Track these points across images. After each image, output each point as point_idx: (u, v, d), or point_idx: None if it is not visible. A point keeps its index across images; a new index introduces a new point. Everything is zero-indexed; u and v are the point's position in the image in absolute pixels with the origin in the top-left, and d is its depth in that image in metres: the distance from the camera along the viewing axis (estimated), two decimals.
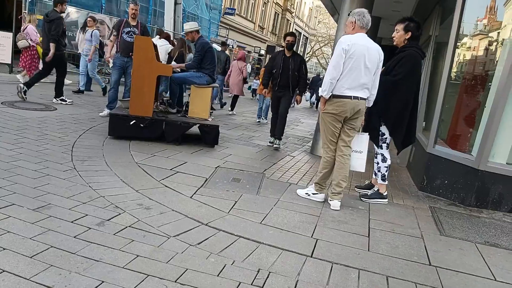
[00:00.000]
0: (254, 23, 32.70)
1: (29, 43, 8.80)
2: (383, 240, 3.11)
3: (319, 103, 4.01)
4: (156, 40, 9.33)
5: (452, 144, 4.77)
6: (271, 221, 3.19)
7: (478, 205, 4.17)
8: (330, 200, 3.71)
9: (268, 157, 5.52)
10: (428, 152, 4.68)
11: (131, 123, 5.15)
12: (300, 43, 47.43)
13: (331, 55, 3.68)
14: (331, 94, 3.52)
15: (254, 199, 3.67)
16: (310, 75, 19.91)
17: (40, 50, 8.71)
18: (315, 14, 51.59)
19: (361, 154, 3.79)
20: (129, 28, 6.48)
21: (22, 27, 9.16)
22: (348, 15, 3.69)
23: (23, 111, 6.00)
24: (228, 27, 26.06)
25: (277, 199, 3.75)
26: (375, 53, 3.49)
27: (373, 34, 6.13)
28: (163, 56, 10.22)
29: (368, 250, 2.90)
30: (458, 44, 4.69)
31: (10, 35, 10.33)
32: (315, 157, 6.08)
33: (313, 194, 3.83)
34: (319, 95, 3.61)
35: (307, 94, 16.54)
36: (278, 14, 38.29)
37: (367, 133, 3.87)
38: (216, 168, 4.57)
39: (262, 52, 34.22)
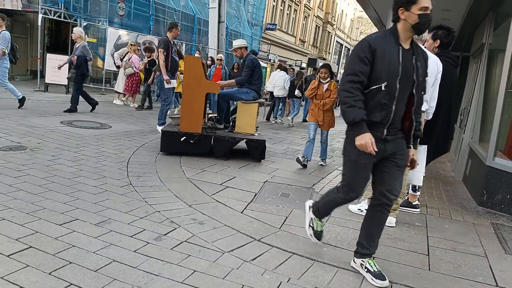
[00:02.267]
0: (295, 37, 32.86)
1: (134, 70, 10.21)
2: (444, 259, 2.96)
3: None
4: (277, 72, 11.36)
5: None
6: (325, 238, 3.12)
7: None
8: None
9: (315, 172, 5.46)
10: (487, 165, 4.43)
11: (182, 139, 5.31)
12: (342, 54, 47.02)
13: None
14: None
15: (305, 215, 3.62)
16: None
17: (142, 75, 10.40)
18: (356, 25, 51.04)
19: (417, 166, 3.64)
20: (174, 48, 6.77)
21: (126, 57, 10.39)
22: None
23: (80, 130, 6.36)
24: (269, 42, 26.37)
25: (328, 215, 3.68)
26: (433, 64, 3.38)
27: None
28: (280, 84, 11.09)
29: (429, 270, 2.77)
30: None
31: (66, 58, 11.08)
32: None
33: (366, 209, 3.72)
34: None
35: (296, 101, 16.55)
36: (319, 27, 38.26)
37: (425, 145, 3.72)
38: (264, 183, 4.58)
39: (304, 65, 34.22)
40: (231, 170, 4.95)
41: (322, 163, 6.02)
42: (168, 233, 2.95)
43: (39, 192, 3.43)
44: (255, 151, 5.56)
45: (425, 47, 3.55)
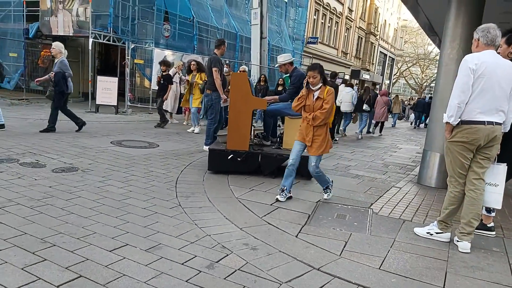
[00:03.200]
0: (337, 49, 32.42)
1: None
2: None
3: (427, 124, 3.54)
4: (342, 88, 11.21)
5: None
6: (392, 267, 2.81)
7: None
8: (457, 241, 3.21)
9: (371, 189, 5.10)
10: None
11: (229, 157, 5.17)
12: (386, 64, 45.81)
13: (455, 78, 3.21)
14: (459, 120, 3.09)
15: (366, 239, 3.32)
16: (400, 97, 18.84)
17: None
18: (400, 35, 49.68)
19: (496, 187, 3.24)
20: (223, 66, 6.73)
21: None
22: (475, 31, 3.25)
23: (129, 149, 6.42)
24: (311, 55, 26.16)
25: (392, 239, 3.35)
26: (509, 70, 3.02)
27: None
28: (348, 100, 11.15)
29: None
30: None
31: (115, 79, 11.49)
32: (424, 187, 5.50)
33: (436, 233, 3.35)
34: (444, 121, 3.19)
35: (411, 115, 16.26)
36: (361, 38, 37.56)
37: (505, 164, 3.29)
38: (317, 202, 4.31)
39: (347, 77, 33.60)
40: None
41: (325, 196, 4.46)
42: (220, 260, 2.77)
43: (89, 215, 3.39)
44: (304, 168, 5.28)
45: (498, 53, 3.20)
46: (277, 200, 4.16)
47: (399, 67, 50.34)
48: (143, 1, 13.04)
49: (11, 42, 13.51)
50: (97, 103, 11.29)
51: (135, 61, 13.01)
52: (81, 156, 5.62)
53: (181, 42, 14.09)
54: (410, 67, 49.40)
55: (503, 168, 3.26)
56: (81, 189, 4.12)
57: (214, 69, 6.52)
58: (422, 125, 20.44)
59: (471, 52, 3.23)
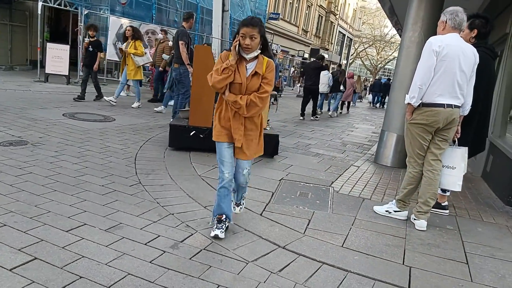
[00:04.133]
0: (298, 27, 32.37)
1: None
2: (485, 268, 2.72)
3: (384, 104, 3.61)
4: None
5: None
6: (354, 244, 2.89)
7: None
8: (415, 219, 3.35)
9: (331, 168, 5.20)
10: None
11: (191, 134, 5.04)
12: (344, 44, 46.49)
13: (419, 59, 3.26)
14: (420, 102, 3.16)
15: (329, 217, 3.38)
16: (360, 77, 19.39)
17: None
18: (359, 15, 50.39)
19: (453, 170, 3.38)
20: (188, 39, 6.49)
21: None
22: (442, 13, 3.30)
23: (84, 123, 6.09)
24: (272, 32, 25.92)
25: (353, 218, 3.43)
26: (470, 55, 3.10)
27: None
28: (325, 82, 11.78)
29: (472, 281, 2.53)
30: None
31: (67, 47, 10.75)
32: (381, 167, 5.69)
33: (395, 211, 3.48)
34: (406, 102, 3.25)
35: (369, 96, 17.13)
36: (322, 16, 37.70)
37: (464, 147, 3.42)
38: (280, 180, 4.33)
39: (306, 55, 33.79)
40: None
41: (238, 210, 3.14)
42: (185, 239, 2.71)
43: (43, 193, 3.18)
44: (267, 146, 5.27)
45: (461, 37, 3.28)
46: (217, 237, 2.74)
47: (356, 47, 51.28)
48: None
49: None
50: (46, 72, 10.53)
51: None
52: (31, 128, 5.25)
53: (138, 10, 13.40)
54: (366, 48, 50.43)
55: (460, 151, 3.40)
56: (32, 164, 3.85)
57: (180, 42, 6.31)
58: (378, 105, 21.44)
59: (432, 35, 3.30)
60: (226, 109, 2.72)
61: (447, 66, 3.05)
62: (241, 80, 2.61)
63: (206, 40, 14.71)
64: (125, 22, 12.03)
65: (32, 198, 3.05)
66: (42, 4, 10.71)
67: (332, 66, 37.49)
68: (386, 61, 50.21)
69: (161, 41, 9.86)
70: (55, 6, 11.32)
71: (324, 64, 11.85)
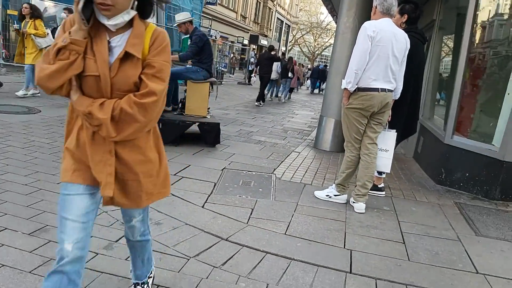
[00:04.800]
0: (236, 13, 32.10)
1: None
2: (420, 246, 2.85)
3: (323, 90, 3.66)
4: None
5: (467, 134, 4.54)
6: (296, 231, 2.89)
7: (504, 198, 3.97)
8: (353, 202, 3.43)
9: (273, 155, 5.20)
10: (446, 143, 4.44)
11: None
12: (283, 31, 47.00)
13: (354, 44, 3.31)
14: (356, 87, 3.20)
15: (272, 205, 3.36)
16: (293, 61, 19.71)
17: None
18: (296, 2, 51.10)
19: (387, 153, 3.51)
20: None
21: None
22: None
23: (4, 115, 5.52)
24: (210, 17, 25.42)
25: (295, 204, 3.45)
26: (402, 40, 3.19)
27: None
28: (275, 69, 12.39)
29: (409, 260, 2.63)
30: (475, 24, 4.38)
31: None
32: (320, 151, 5.80)
33: (335, 195, 3.54)
34: (342, 88, 3.28)
35: (307, 82, 17.69)
36: (260, 2, 37.70)
37: (394, 130, 3.56)
38: (222, 170, 4.24)
39: (246, 42, 33.69)
40: (185, 158, 4.54)
41: None
42: (120, 239, 2.53)
43: None
44: (209, 135, 5.17)
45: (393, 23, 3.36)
46: None
47: (294, 34, 52.12)
48: None
49: None
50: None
51: (8, 12, 11.10)
52: None
53: None
54: (304, 35, 51.44)
55: (392, 134, 3.53)
56: None
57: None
58: (316, 91, 22.14)
59: (367, 21, 3.37)
60: (79, 128, 1.49)
61: (381, 51, 3.11)
62: (99, 69, 1.38)
63: None
64: (50, 5, 11.08)
65: None
66: None
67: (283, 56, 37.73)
68: (323, 48, 51.67)
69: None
70: None
71: (275, 55, 12.96)
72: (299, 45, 52.93)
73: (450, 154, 4.39)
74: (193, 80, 5.31)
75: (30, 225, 2.55)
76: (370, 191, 3.70)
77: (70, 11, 8.80)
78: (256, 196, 3.55)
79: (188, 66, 5.51)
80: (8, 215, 2.64)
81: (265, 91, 12.60)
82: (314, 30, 49.65)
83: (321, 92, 21.54)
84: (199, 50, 5.30)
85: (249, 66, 21.67)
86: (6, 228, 2.46)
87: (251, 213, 3.15)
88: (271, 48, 12.77)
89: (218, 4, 26.95)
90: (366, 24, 3.16)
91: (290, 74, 13.90)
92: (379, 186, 3.89)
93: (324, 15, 47.50)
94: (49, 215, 2.72)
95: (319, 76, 21.88)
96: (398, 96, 3.44)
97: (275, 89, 14.31)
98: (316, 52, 51.00)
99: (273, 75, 12.63)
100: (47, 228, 2.54)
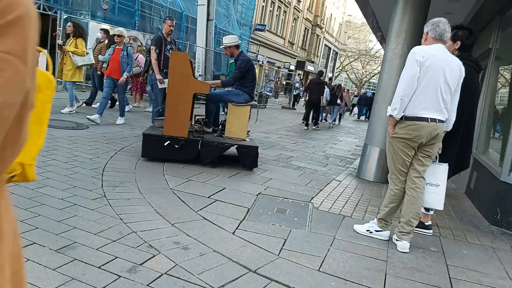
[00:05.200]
0: (284, 39, 32.53)
1: (141, 70, 9.17)
2: None
3: (368, 117, 3.44)
4: None
5: None
6: (331, 268, 2.66)
7: None
8: (397, 240, 3.15)
9: (312, 182, 5.00)
10: (503, 180, 4.04)
11: (166, 144, 4.78)
12: (330, 58, 46.95)
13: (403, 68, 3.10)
14: (402, 114, 2.99)
15: (306, 237, 3.15)
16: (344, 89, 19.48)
17: None
18: (345, 29, 51.08)
19: (437, 188, 3.21)
20: (169, 46, 6.25)
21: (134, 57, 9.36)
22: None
23: (54, 130, 5.76)
24: (258, 43, 25.93)
25: (332, 237, 3.22)
26: (456, 68, 2.95)
27: None
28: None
29: None
30: None
31: (42, 53, 10.34)
32: (363, 181, 5.51)
33: (376, 231, 3.28)
34: (387, 114, 3.08)
35: (355, 109, 17.66)
36: (308, 29, 38.03)
37: (446, 164, 3.27)
38: (257, 195, 4.09)
39: (292, 67, 33.91)
40: (220, 180, 4.45)
41: None
42: (145, 262, 2.44)
43: None
44: (246, 158, 5.07)
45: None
46: None
47: (342, 61, 51.88)
48: None
49: None
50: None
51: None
52: None
53: (121, 16, 13.14)
54: (352, 62, 51.06)
55: (444, 168, 3.24)
56: None
57: (151, 47, 6.16)
58: (362, 117, 21.93)
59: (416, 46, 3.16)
60: None
61: (430, 78, 2.89)
62: None
63: (191, 49, 14.54)
64: (106, 27, 11.73)
65: None
66: None
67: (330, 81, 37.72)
68: (371, 75, 50.93)
69: (100, 41, 9.17)
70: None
71: (325, 81, 13.42)
72: (346, 71, 52.52)
73: (507, 192, 3.98)
74: (234, 103, 5.28)
75: (59, 241, 2.53)
76: (415, 229, 3.40)
77: (105, 31, 9.26)
78: (290, 225, 3.36)
79: (230, 89, 5.51)
80: (39, 229, 2.64)
81: (310, 117, 12.58)
82: (362, 57, 49.19)
83: (367, 120, 21.09)
84: (242, 75, 5.30)
85: (294, 91, 21.63)
86: (34, 243, 2.45)
87: (283, 244, 2.96)
88: (321, 73, 13.00)
89: (267, 30, 27.49)
90: (415, 48, 2.97)
91: (338, 101, 14.17)
92: (426, 223, 3.57)
93: (373, 43, 47.03)
94: (79, 232, 2.70)
95: (366, 103, 21.56)
96: (450, 127, 3.17)
97: (321, 114, 14.37)
98: (364, 79, 50.32)
99: (323, 101, 12.73)
100: (75, 245, 2.51)
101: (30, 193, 3.25)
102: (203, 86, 5.05)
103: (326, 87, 12.98)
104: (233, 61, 6.38)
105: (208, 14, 13.60)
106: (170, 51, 5.86)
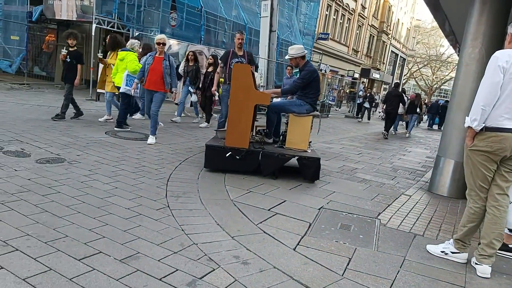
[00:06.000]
0: (348, 47, 31.85)
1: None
2: None
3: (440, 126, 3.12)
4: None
5: None
6: None
7: None
8: (476, 263, 2.82)
9: (379, 196, 4.72)
10: None
11: (227, 155, 4.81)
12: (397, 64, 45.10)
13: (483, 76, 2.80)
14: (483, 125, 2.69)
15: (373, 256, 2.94)
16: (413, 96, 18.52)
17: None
18: (413, 35, 48.83)
19: None
20: (236, 59, 6.37)
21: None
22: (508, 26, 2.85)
23: (124, 141, 6.08)
24: (321, 52, 25.64)
25: (402, 258, 2.97)
26: None
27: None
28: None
29: None
30: None
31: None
32: (435, 196, 5.10)
33: (452, 253, 2.97)
34: (466, 126, 2.79)
35: (424, 117, 16.89)
36: (373, 36, 36.91)
37: None
38: (319, 209, 3.94)
39: (356, 75, 33.04)
40: (281, 192, 4.36)
41: None
42: (205, 276, 2.41)
43: (65, 215, 3.04)
44: (308, 170, 4.93)
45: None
46: None
47: (410, 67, 49.55)
48: None
49: (14, 25, 13.20)
50: (97, 91, 10.94)
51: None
52: (71, 146, 5.28)
53: (188, 32, 13.72)
54: (421, 68, 48.55)
55: None
56: (62, 183, 3.78)
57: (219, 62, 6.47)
58: (435, 126, 20.96)
59: (494, 51, 2.82)
60: None
61: None
62: None
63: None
64: (174, 42, 12.31)
65: (53, 220, 2.92)
66: (96, 26, 11.24)
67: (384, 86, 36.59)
68: (443, 81, 48.02)
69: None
70: (108, 28, 11.86)
71: (402, 92, 13.88)
72: (415, 78, 50.06)
73: None
74: (295, 114, 5.19)
75: (123, 250, 2.60)
76: (498, 252, 3.03)
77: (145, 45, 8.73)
78: (355, 243, 3.17)
79: (292, 99, 5.43)
80: (105, 239, 2.73)
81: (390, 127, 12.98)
82: (432, 63, 46.60)
83: (439, 129, 19.99)
84: (305, 85, 5.19)
85: (358, 99, 20.90)
86: (100, 252, 2.54)
87: (348, 263, 2.78)
88: (397, 85, 13.58)
89: (330, 39, 27.11)
90: (498, 53, 2.66)
91: (418, 110, 14.61)
92: (510, 245, 3.17)
93: (445, 48, 44.47)
94: (143, 242, 2.76)
95: (437, 111, 20.41)
96: None
97: (398, 122, 14.64)
98: (434, 86, 47.59)
99: (400, 110, 13.19)
100: (138, 255, 2.56)
101: (99, 202, 3.41)
102: (264, 97, 5.02)
103: (405, 96, 13.60)
104: (296, 71, 6.37)
105: (271, 25, 13.74)
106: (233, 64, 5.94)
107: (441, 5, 6.94)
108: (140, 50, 7.83)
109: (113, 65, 7.26)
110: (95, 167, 4.46)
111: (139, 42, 7.91)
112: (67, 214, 3.07)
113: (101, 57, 7.84)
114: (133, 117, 7.98)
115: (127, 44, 7.39)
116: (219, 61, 6.41)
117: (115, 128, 6.88)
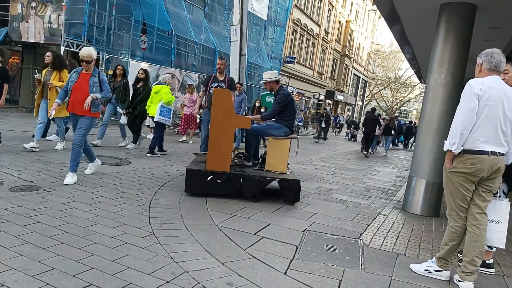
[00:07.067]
0: (313, 70, 32.81)
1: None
2: None
3: (406, 144, 3.29)
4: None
5: None
6: None
7: None
8: (459, 280, 2.95)
9: (358, 217, 4.84)
10: None
11: (208, 178, 4.80)
12: (359, 86, 46.80)
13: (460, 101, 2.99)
14: (461, 148, 2.87)
15: (361, 278, 3.01)
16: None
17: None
18: (373, 58, 51.05)
19: (500, 225, 3.03)
20: (216, 83, 6.41)
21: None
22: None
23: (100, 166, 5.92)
24: (288, 75, 26.26)
25: (389, 278, 3.06)
26: None
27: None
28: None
29: None
30: None
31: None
32: (410, 215, 5.29)
33: (435, 271, 3.09)
34: (445, 149, 2.97)
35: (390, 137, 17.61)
36: (336, 59, 38.27)
37: (508, 200, 3.10)
38: (304, 231, 3.99)
39: (322, 97, 33.97)
40: (264, 215, 4.39)
41: None
42: None
43: (48, 246, 2.93)
44: (288, 192, 5.00)
45: (504, 80, 3.03)
46: None
47: (371, 89, 51.57)
48: (120, 11, 12.64)
49: None
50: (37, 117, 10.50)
51: (110, 72, 12.53)
52: (44, 172, 5.10)
53: (158, 55, 13.71)
54: (381, 90, 50.66)
55: (506, 204, 3.06)
56: (41, 212, 3.64)
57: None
58: (400, 145, 22.24)
59: (459, 77, 3.06)
60: None
61: (490, 110, 2.79)
62: None
63: None
64: (144, 65, 12.24)
65: (37, 252, 2.80)
66: (64, 49, 11.02)
67: (347, 107, 37.80)
68: (402, 102, 50.23)
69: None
70: (77, 50, 11.65)
71: (378, 115, 15.68)
72: (376, 100, 52.05)
73: None
74: (274, 137, 5.28)
75: (114, 281, 2.53)
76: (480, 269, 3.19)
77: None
78: (343, 265, 3.23)
79: (270, 123, 5.54)
80: (94, 270, 2.65)
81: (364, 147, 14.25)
82: (392, 85, 48.76)
83: (407, 148, 22.30)
84: (282, 109, 5.33)
85: (323, 122, 20.18)
86: (91, 284, 2.46)
87: (339, 286, 2.84)
88: (373, 110, 15.30)
89: (296, 62, 27.86)
90: (472, 81, 2.88)
91: (393, 132, 16.20)
92: (487, 262, 3.35)
93: (403, 71, 46.75)
94: (133, 272, 2.69)
95: (401, 131, 21.57)
96: (510, 160, 3.02)
97: (375, 143, 16.03)
98: (394, 107, 49.64)
99: (377, 131, 14.77)
100: (131, 286, 2.50)
101: (82, 231, 3.31)
102: (245, 121, 5.10)
103: (381, 120, 15.28)
104: (264, 93, 6.51)
105: (240, 49, 13.99)
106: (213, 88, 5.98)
107: (406, 33, 7.37)
108: (171, 82, 8.48)
109: (60, 87, 6.15)
110: (73, 194, 4.33)
111: (169, 75, 8.44)
112: (51, 245, 2.95)
113: (39, 78, 6.65)
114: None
115: (159, 78, 7.96)
116: (202, 85, 6.48)
117: (147, 154, 7.48)
